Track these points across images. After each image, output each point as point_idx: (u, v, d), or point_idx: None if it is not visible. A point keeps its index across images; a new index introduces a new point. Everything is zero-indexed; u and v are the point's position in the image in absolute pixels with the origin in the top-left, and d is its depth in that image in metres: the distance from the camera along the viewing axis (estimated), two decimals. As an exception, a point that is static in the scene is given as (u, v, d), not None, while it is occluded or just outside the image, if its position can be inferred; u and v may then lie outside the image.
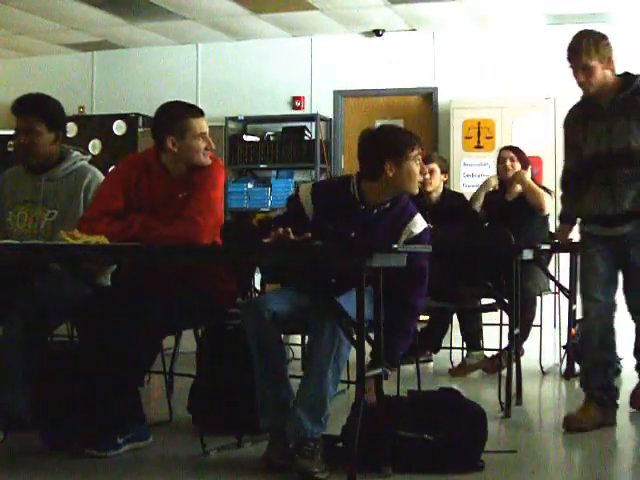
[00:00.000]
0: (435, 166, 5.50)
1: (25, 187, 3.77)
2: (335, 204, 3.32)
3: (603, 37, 3.77)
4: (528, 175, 5.60)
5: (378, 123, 8.42)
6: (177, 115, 3.52)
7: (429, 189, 5.45)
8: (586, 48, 3.69)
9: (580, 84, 3.75)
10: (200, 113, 3.57)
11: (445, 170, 5.62)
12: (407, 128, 3.45)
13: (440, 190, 5.52)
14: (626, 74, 3.82)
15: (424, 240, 3.30)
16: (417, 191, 3.38)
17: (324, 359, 2.98)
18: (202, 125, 3.53)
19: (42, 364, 3.42)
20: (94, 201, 3.60)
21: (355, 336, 2.94)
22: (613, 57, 3.76)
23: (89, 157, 3.91)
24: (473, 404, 3.26)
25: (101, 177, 3.78)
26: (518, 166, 5.63)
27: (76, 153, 3.83)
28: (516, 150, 5.75)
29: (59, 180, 3.74)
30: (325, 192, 3.38)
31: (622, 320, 3.93)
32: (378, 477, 2.97)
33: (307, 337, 4.39)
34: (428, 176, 5.48)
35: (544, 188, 5.69)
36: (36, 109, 3.71)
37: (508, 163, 5.63)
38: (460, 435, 3.09)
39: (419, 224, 3.33)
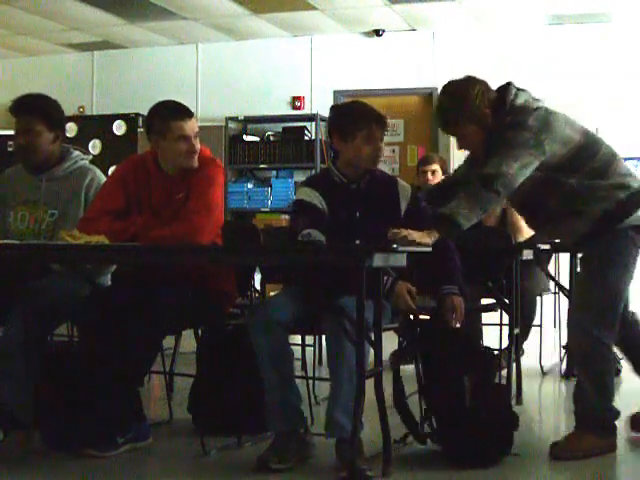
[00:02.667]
0: (437, 167, 5.60)
1: (26, 187, 3.77)
2: (329, 191, 3.43)
3: (466, 93, 3.26)
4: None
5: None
6: (159, 116, 3.52)
7: None
8: (453, 118, 3.29)
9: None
10: (184, 115, 3.50)
11: (446, 170, 5.66)
12: (376, 109, 3.44)
13: None
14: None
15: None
16: (372, 165, 3.44)
17: (351, 365, 2.97)
18: (183, 128, 3.47)
19: (42, 364, 3.42)
20: (96, 200, 3.61)
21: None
22: (487, 99, 3.27)
23: (90, 157, 3.91)
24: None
25: (102, 177, 3.78)
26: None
27: (77, 153, 3.83)
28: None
29: (60, 180, 3.73)
30: (318, 183, 3.50)
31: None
32: (379, 477, 2.97)
33: (307, 337, 4.40)
34: (431, 177, 5.54)
35: None
36: (35, 109, 3.70)
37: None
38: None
39: (406, 187, 3.53)
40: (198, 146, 3.53)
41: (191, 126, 3.50)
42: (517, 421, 3.29)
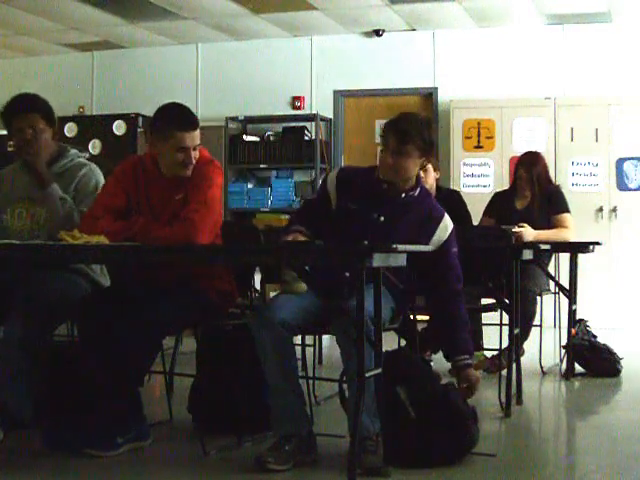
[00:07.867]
0: (429, 165, 5.55)
1: (23, 184, 3.77)
2: (360, 188, 3.41)
3: None
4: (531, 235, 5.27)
5: (378, 123, 8.43)
6: (166, 121, 3.47)
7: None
8: None
9: None
10: (189, 127, 3.45)
11: (437, 168, 5.68)
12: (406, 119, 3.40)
13: (434, 188, 5.57)
14: None
15: (451, 242, 3.43)
16: (389, 176, 3.37)
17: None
18: (185, 140, 3.43)
19: (42, 364, 3.42)
20: (97, 200, 3.60)
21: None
22: None
23: (87, 154, 3.93)
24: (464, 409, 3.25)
25: (97, 173, 3.77)
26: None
27: (74, 151, 3.84)
28: (535, 163, 5.62)
29: (57, 176, 3.73)
30: (350, 176, 3.49)
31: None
32: (378, 477, 2.97)
33: (307, 337, 4.40)
34: (423, 175, 5.52)
35: (557, 187, 5.71)
36: (36, 107, 3.73)
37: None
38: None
39: (449, 228, 3.44)
40: (196, 156, 3.50)
41: (193, 138, 3.46)
42: (475, 417, 3.24)
